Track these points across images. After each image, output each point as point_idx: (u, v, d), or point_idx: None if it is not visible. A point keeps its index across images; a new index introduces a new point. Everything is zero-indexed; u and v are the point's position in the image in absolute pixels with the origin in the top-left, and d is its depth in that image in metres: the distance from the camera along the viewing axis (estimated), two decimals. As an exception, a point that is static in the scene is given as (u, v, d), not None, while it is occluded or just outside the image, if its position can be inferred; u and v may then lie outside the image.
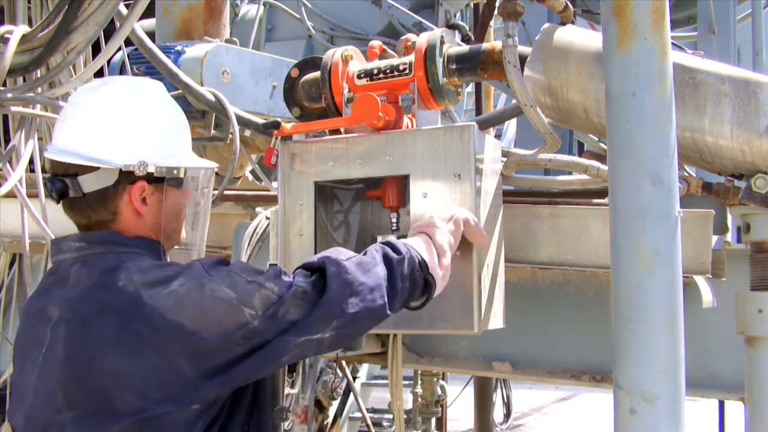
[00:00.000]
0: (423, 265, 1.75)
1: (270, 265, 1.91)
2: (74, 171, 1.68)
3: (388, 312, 1.67)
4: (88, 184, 1.68)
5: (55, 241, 1.76)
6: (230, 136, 3.01)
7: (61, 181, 1.68)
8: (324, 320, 1.60)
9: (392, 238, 1.93)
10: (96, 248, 1.68)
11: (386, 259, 1.71)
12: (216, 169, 2.00)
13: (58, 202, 1.73)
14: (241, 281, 1.59)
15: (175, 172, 1.76)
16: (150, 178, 1.72)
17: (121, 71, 3.13)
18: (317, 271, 1.66)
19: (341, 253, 1.69)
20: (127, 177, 1.70)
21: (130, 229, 1.72)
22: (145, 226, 1.74)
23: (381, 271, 1.67)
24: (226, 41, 3.34)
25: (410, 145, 2.02)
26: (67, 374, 1.57)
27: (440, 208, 1.92)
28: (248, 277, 1.61)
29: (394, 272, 1.69)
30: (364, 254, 1.72)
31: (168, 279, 1.57)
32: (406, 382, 5.60)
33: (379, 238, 2.04)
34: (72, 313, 1.61)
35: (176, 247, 1.89)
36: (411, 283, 1.72)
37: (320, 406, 5.64)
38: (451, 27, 4.90)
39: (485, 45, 2.19)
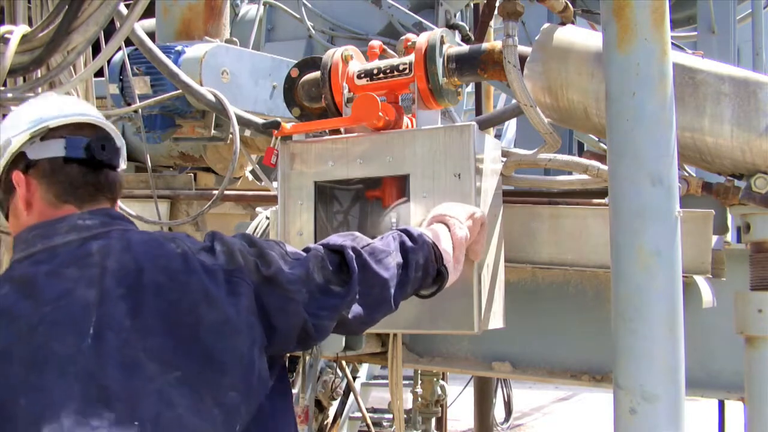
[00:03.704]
0: (438, 256, 1.76)
1: None
2: None
3: (396, 303, 1.69)
4: None
5: (42, 224, 1.56)
6: (230, 136, 3.01)
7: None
8: (343, 298, 1.60)
9: (410, 226, 1.87)
10: (119, 224, 1.59)
11: (402, 247, 1.71)
12: None
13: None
14: (266, 243, 1.61)
15: None
16: None
17: (121, 71, 3.13)
18: (336, 253, 1.65)
19: (357, 240, 1.69)
20: None
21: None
22: None
23: (393, 260, 1.68)
24: (226, 41, 3.34)
25: (410, 145, 2.02)
26: (155, 341, 1.43)
27: (457, 205, 1.92)
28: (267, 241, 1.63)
29: (409, 261, 1.70)
30: (381, 239, 1.72)
31: (208, 246, 1.56)
32: (406, 382, 5.60)
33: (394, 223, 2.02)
34: (128, 288, 1.46)
35: None
36: (423, 273, 1.74)
37: (320, 406, 5.65)
38: (451, 27, 4.89)
39: (485, 45, 2.19)
